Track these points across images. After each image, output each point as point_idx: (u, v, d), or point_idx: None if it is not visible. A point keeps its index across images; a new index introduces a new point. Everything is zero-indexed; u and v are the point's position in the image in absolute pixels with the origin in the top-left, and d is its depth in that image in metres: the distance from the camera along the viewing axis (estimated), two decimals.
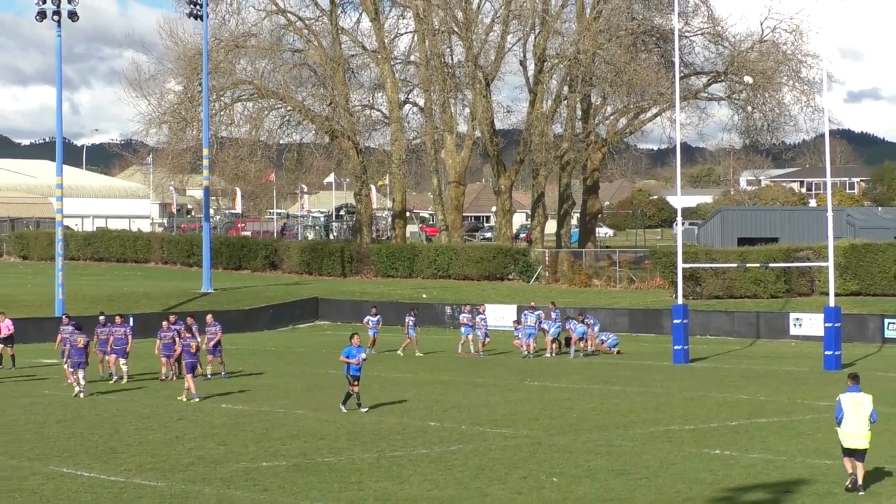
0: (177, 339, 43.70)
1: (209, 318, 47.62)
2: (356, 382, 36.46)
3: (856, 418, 25.34)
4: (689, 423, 33.82)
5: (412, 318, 58.07)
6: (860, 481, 25.13)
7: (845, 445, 25.41)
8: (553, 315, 57.36)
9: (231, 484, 25.32)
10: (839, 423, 25.55)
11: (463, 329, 57.95)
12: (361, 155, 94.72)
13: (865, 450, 25.13)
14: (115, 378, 44.63)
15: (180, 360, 43.56)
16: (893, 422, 34.08)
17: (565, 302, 68.24)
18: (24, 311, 64.94)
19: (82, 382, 41.15)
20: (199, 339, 42.98)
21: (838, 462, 27.38)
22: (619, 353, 56.67)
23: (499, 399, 39.47)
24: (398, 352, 57.41)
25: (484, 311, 60.17)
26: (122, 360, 44.65)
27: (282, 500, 23.68)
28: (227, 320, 71.61)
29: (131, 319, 52.40)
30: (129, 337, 45.02)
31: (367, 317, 59.26)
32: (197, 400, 39.54)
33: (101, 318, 47.61)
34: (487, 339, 57.38)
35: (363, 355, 36.91)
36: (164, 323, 45.45)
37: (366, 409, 36.41)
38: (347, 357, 36.45)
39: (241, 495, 24.20)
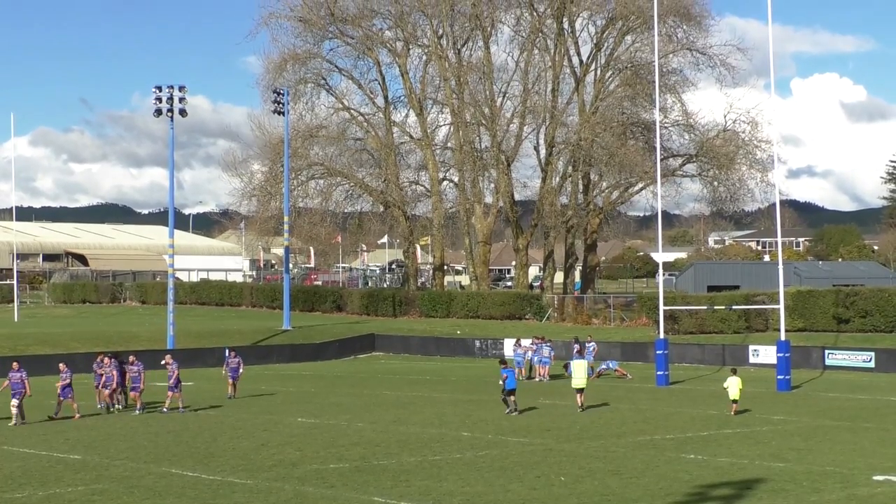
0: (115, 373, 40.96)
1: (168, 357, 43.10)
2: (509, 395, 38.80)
3: (579, 372, 39.91)
4: (669, 434, 33.48)
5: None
6: (582, 404, 39.31)
7: (574, 386, 39.74)
8: (546, 347, 55.49)
9: (305, 482, 25.16)
10: (571, 373, 40.57)
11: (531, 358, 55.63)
12: (409, 221, 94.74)
13: (584, 388, 39.62)
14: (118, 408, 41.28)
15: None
16: (834, 433, 33.75)
17: (571, 337, 67.65)
18: (143, 345, 65.17)
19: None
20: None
21: (791, 465, 27.12)
22: (623, 374, 55.90)
23: (518, 414, 39.22)
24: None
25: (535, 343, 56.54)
26: (134, 394, 41.04)
27: (345, 495, 23.50)
28: (302, 352, 72.15)
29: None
30: (142, 374, 40.90)
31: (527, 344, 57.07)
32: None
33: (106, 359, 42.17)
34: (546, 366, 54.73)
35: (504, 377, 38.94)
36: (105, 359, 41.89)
37: (516, 413, 38.22)
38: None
39: (313, 491, 24.04)
